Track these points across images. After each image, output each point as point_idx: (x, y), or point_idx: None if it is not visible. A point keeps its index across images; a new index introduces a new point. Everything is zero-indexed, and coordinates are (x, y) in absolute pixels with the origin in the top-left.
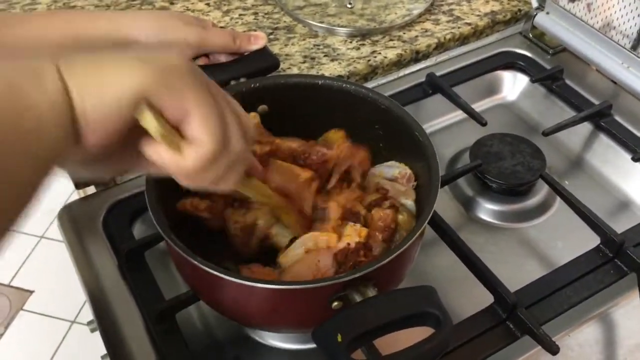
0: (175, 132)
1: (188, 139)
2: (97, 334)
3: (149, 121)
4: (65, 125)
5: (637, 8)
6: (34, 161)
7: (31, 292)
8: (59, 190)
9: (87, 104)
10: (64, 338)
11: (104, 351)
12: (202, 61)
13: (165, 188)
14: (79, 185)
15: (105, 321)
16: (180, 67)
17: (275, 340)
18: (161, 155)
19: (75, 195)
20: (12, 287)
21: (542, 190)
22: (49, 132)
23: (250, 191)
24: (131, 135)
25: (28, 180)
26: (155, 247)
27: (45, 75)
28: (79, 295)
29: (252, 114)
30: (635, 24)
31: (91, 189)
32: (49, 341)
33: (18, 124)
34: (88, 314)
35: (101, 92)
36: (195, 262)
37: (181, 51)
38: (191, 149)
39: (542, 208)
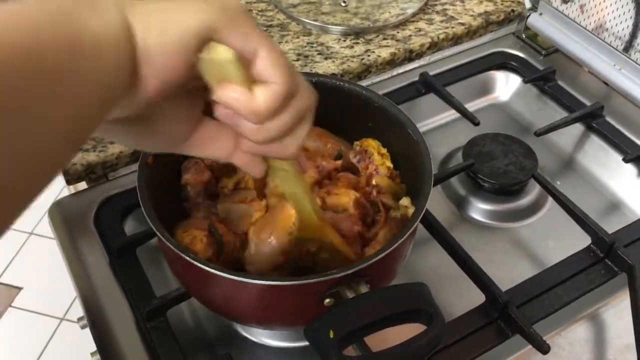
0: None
1: (258, 78)
2: (88, 330)
3: (222, 52)
4: (125, 63)
5: (629, 10)
6: (88, 98)
7: (20, 288)
8: (50, 186)
9: (150, 42)
10: (53, 335)
11: (94, 348)
12: None
13: (158, 184)
14: (70, 180)
15: (95, 318)
16: (243, 9)
17: (267, 337)
18: (232, 95)
19: (66, 191)
20: (0, 283)
21: (534, 190)
22: (107, 68)
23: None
24: (187, 100)
25: (80, 121)
26: (146, 244)
27: (106, 7)
28: (68, 292)
29: None
30: (628, 25)
31: (82, 185)
32: (38, 338)
33: (75, 52)
34: (77, 311)
35: (165, 30)
36: (187, 258)
37: None
38: (262, 88)
39: (534, 208)
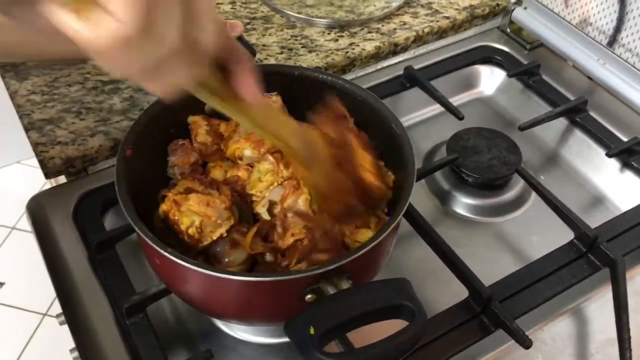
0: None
1: (105, 11)
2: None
3: None
4: None
5: (613, 5)
6: None
7: (2, 284)
8: (32, 180)
9: None
10: (35, 331)
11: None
12: None
13: (137, 178)
14: (48, 174)
15: (73, 314)
16: None
17: (247, 333)
18: (65, 21)
19: (48, 186)
20: None
21: (518, 185)
22: None
23: (241, 116)
24: None
25: None
26: (126, 239)
27: None
28: (51, 287)
29: (274, 97)
30: (612, 20)
31: (62, 179)
32: (21, 334)
33: None
34: (59, 307)
35: None
36: (166, 254)
37: None
38: (104, 22)
39: (518, 202)
